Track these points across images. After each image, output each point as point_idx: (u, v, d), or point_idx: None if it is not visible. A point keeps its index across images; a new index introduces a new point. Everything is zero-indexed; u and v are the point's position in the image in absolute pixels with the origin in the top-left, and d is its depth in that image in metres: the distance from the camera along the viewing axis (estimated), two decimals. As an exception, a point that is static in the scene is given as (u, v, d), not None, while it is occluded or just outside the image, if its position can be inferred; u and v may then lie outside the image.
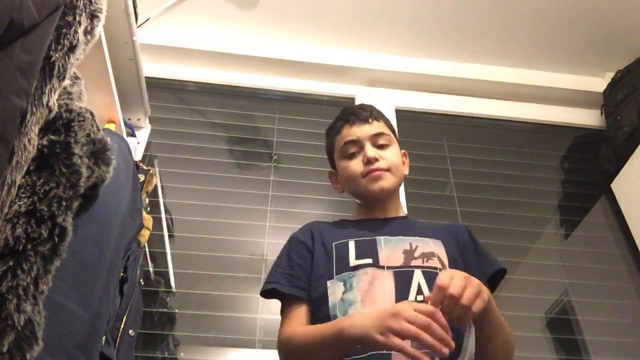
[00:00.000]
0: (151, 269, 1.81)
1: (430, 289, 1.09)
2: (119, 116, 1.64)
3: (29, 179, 0.80)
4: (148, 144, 2.02)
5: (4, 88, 0.64)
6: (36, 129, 0.77)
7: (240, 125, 2.16)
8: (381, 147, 1.32)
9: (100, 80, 1.49)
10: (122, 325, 1.33)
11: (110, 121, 1.62)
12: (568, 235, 2.13)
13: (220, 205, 1.96)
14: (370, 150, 1.30)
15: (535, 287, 1.95)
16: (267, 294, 1.24)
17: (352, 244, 1.21)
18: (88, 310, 0.96)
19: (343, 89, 2.33)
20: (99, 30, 0.95)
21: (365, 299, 1.11)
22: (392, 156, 1.32)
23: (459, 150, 2.24)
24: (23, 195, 0.78)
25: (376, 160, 1.29)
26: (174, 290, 1.81)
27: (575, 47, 2.36)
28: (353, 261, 1.17)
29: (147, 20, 2.19)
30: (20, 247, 0.76)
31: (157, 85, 2.17)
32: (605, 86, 2.31)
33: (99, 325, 1.04)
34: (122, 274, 1.36)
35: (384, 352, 1.00)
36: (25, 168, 0.77)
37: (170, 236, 1.91)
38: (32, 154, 0.78)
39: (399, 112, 2.28)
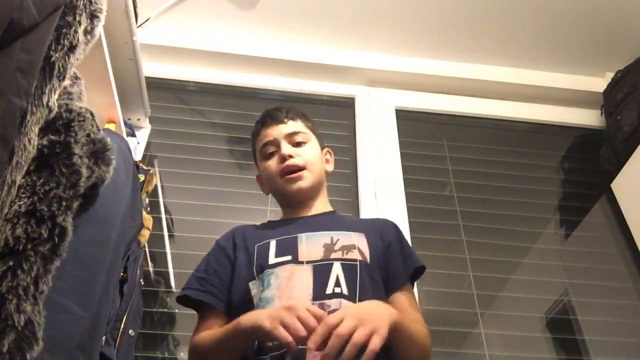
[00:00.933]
0: (151, 269, 1.81)
1: (349, 283, 1.11)
2: (119, 116, 1.64)
3: (29, 179, 0.80)
4: (148, 144, 2.02)
5: (4, 88, 0.64)
6: (36, 129, 0.77)
7: (240, 125, 2.16)
8: (298, 144, 1.35)
9: (100, 80, 1.49)
10: (122, 325, 1.33)
11: (110, 121, 1.62)
12: (568, 235, 2.13)
13: (220, 205, 1.96)
14: (285, 148, 1.32)
15: (535, 287, 1.95)
16: (180, 300, 1.23)
17: (273, 243, 1.21)
18: (88, 310, 0.96)
19: (343, 89, 2.33)
20: (99, 30, 0.95)
21: (282, 294, 1.09)
22: (309, 153, 1.34)
23: (459, 150, 2.24)
24: (23, 195, 0.78)
25: (290, 157, 1.31)
26: (174, 290, 1.81)
27: (575, 47, 2.36)
28: (272, 259, 1.17)
29: (147, 20, 2.19)
30: (20, 247, 0.76)
31: (157, 85, 2.17)
32: (605, 86, 2.31)
33: (99, 325, 1.04)
34: (122, 274, 1.36)
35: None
36: (25, 168, 0.77)
37: (170, 236, 1.90)
38: (32, 154, 0.78)
39: (399, 112, 2.28)
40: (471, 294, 1.86)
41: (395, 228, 1.32)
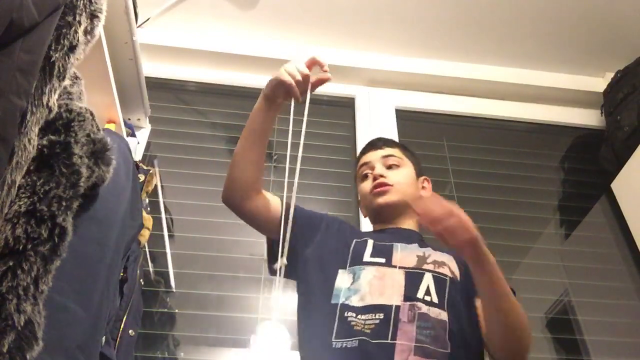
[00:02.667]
0: (151, 269, 1.81)
1: (438, 293, 1.15)
2: (119, 116, 1.64)
3: (29, 179, 0.80)
4: (148, 144, 2.02)
5: (4, 88, 0.64)
6: (36, 129, 0.77)
7: (240, 125, 2.15)
8: (390, 167, 1.42)
9: (100, 80, 1.49)
10: (122, 325, 1.33)
11: (110, 121, 1.62)
12: (568, 235, 2.13)
13: (220, 205, 1.96)
14: (378, 169, 1.41)
15: (535, 287, 1.95)
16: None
17: (370, 243, 1.27)
18: (88, 310, 0.96)
19: (343, 89, 2.33)
20: (99, 30, 0.95)
21: (373, 290, 1.15)
22: (400, 176, 1.41)
23: (459, 150, 2.24)
24: (23, 195, 0.78)
25: (381, 176, 1.38)
26: (174, 290, 1.81)
27: (575, 47, 2.36)
28: (367, 257, 1.23)
29: (147, 20, 2.19)
30: (20, 247, 0.76)
31: (157, 85, 2.17)
32: (605, 86, 2.31)
33: (99, 325, 1.04)
34: (122, 274, 1.36)
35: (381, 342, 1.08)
36: (25, 168, 0.77)
37: (170, 236, 1.90)
38: (32, 154, 0.78)
39: (399, 112, 2.28)
40: (471, 294, 1.86)
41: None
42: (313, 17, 2.25)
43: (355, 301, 1.14)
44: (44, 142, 0.84)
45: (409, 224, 1.39)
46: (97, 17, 0.93)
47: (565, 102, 2.41)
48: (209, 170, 2.03)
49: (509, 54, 2.37)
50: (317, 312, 1.19)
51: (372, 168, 1.42)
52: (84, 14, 0.86)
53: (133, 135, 1.85)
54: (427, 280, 1.17)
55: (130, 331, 1.36)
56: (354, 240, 1.29)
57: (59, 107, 0.87)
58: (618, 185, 2.11)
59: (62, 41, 0.79)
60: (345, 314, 1.13)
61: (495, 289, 1.07)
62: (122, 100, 1.68)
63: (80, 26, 0.84)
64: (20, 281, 0.74)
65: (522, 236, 2.06)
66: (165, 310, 1.75)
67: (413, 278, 1.17)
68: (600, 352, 1.83)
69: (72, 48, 0.82)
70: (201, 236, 1.90)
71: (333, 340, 1.10)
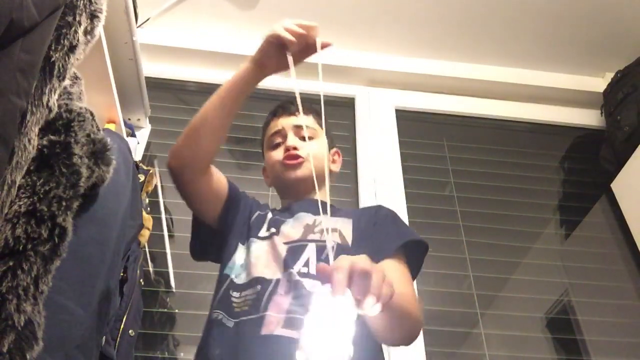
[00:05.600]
0: (151, 269, 1.81)
1: (318, 260, 1.10)
2: (119, 116, 1.64)
3: (29, 179, 0.80)
4: (148, 144, 2.02)
5: (4, 88, 0.64)
6: (36, 129, 0.77)
7: (240, 125, 2.16)
8: (304, 139, 1.33)
9: (100, 80, 1.49)
10: (122, 325, 1.33)
11: (110, 121, 1.62)
12: (568, 235, 2.13)
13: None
14: (291, 139, 1.32)
15: (535, 287, 1.95)
16: None
17: (269, 216, 1.25)
18: (88, 310, 0.96)
19: (343, 89, 2.33)
20: (99, 30, 0.95)
21: (259, 263, 1.13)
22: (313, 147, 1.32)
23: (459, 150, 2.24)
24: (23, 195, 0.78)
25: (294, 148, 1.30)
26: (174, 290, 1.81)
27: (575, 47, 2.36)
28: (262, 232, 1.21)
29: (147, 20, 2.19)
30: (20, 247, 0.76)
31: (157, 85, 2.17)
32: (605, 86, 2.31)
33: (99, 325, 1.04)
34: (122, 274, 1.36)
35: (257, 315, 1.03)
36: (25, 168, 0.77)
37: (170, 236, 1.90)
38: (32, 154, 0.78)
39: (399, 112, 2.28)
40: (471, 294, 1.86)
41: (389, 211, 1.27)
42: (313, 17, 2.23)
43: (241, 279, 1.12)
44: (44, 142, 0.84)
45: (319, 195, 1.28)
46: (97, 17, 0.93)
47: (565, 102, 2.41)
48: (209, 170, 2.03)
49: (509, 54, 2.37)
50: (217, 288, 1.17)
51: (284, 137, 1.34)
52: (84, 14, 0.86)
53: (133, 135, 1.85)
54: (309, 252, 1.12)
55: (130, 331, 1.36)
56: (257, 213, 1.27)
57: (59, 107, 0.87)
58: (618, 185, 2.11)
59: (62, 41, 0.79)
60: (230, 293, 1.11)
61: (401, 323, 0.97)
62: (122, 100, 1.68)
63: (80, 26, 0.84)
64: (20, 281, 0.74)
65: (522, 236, 2.06)
66: (165, 310, 1.75)
67: (294, 251, 1.13)
68: (600, 352, 1.83)
69: (72, 48, 0.82)
70: (201, 236, 1.89)
71: (214, 311, 1.11)
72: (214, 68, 2.29)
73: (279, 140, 1.36)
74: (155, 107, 2.02)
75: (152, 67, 2.10)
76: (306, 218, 1.21)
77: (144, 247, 1.64)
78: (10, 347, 0.71)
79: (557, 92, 2.39)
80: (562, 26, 2.29)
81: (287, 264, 1.10)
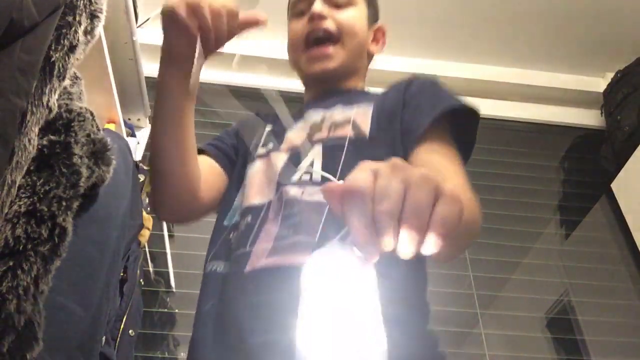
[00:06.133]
0: (151, 269, 1.81)
1: (327, 162, 0.84)
2: (119, 116, 1.64)
3: (29, 179, 0.80)
4: (148, 144, 2.02)
5: (4, 88, 0.64)
6: (36, 129, 0.77)
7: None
8: (338, 6, 1.00)
9: (100, 80, 1.49)
10: (122, 325, 1.33)
11: (110, 121, 1.62)
12: (568, 235, 2.13)
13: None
14: (318, 5, 0.97)
15: (535, 287, 1.95)
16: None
17: (267, 129, 1.01)
18: (88, 310, 0.96)
19: (343, 89, 2.33)
20: (99, 30, 0.95)
21: (252, 190, 0.90)
22: (349, 19, 0.99)
23: (459, 150, 2.24)
24: (23, 195, 0.78)
25: (321, 17, 0.97)
26: (174, 290, 1.81)
27: (575, 47, 2.36)
28: (260, 150, 0.97)
29: (147, 20, 2.19)
30: (20, 247, 0.76)
31: (157, 85, 2.17)
32: (605, 86, 2.31)
33: (99, 325, 1.04)
34: (122, 274, 1.36)
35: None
36: (25, 168, 0.77)
37: (170, 236, 1.90)
38: (32, 154, 0.78)
39: (399, 112, 2.28)
40: (471, 294, 1.86)
41: (424, 79, 0.97)
42: (313, 17, 2.25)
43: (237, 217, 0.90)
44: (44, 142, 0.84)
45: (353, 84, 1.04)
46: (97, 17, 0.93)
47: (565, 102, 2.41)
48: (209, 170, 2.03)
49: (509, 54, 2.37)
50: (212, 240, 0.98)
51: (311, 4, 0.98)
52: (84, 14, 0.86)
53: (133, 135, 1.85)
54: (313, 154, 0.87)
55: (130, 331, 1.36)
56: (266, 130, 1.01)
57: (59, 107, 0.87)
58: (618, 185, 2.11)
59: (62, 41, 0.79)
60: (228, 238, 0.91)
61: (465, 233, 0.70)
62: (122, 100, 1.68)
63: (80, 26, 0.84)
64: (20, 281, 0.74)
65: (522, 236, 2.06)
66: (165, 310, 1.75)
67: (294, 158, 0.87)
68: (600, 352, 1.83)
69: (72, 48, 0.82)
70: (201, 236, 1.89)
71: (207, 264, 0.91)
72: (213, 68, 2.28)
73: (303, 6, 1.02)
74: (155, 107, 2.02)
75: (152, 67, 2.10)
76: (314, 115, 0.95)
77: (144, 247, 1.64)
78: (10, 347, 0.71)
79: (557, 92, 2.39)
80: (562, 26, 2.29)
81: (283, 176, 0.85)
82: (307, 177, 0.84)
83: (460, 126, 0.86)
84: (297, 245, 0.76)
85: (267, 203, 0.85)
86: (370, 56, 1.11)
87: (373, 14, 1.09)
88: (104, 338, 1.18)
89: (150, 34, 2.18)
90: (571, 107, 2.42)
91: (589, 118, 2.39)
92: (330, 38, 0.98)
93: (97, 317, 1.01)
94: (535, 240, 2.09)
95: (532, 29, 2.30)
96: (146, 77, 1.82)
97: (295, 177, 0.85)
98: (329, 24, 0.98)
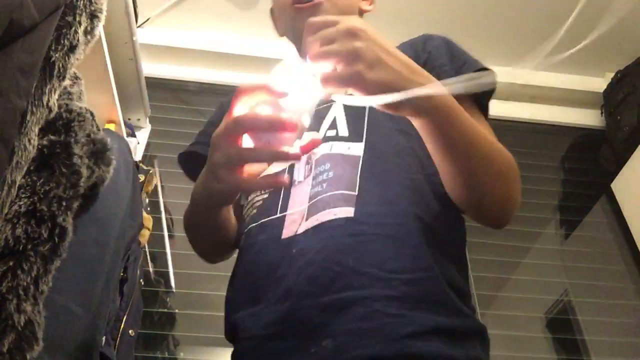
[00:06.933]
0: (151, 269, 1.81)
1: (351, 122, 0.83)
2: (119, 116, 1.64)
3: (29, 179, 0.80)
4: (148, 144, 2.02)
5: (4, 88, 0.64)
6: (36, 129, 0.77)
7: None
8: None
9: (100, 80, 1.49)
10: (122, 325, 1.33)
11: (110, 121, 1.62)
12: (568, 235, 2.13)
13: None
14: None
15: (535, 287, 1.95)
16: None
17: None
18: (88, 310, 0.96)
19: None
20: (99, 30, 0.95)
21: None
22: None
23: (459, 150, 2.24)
24: (23, 195, 0.78)
25: None
26: (174, 290, 1.81)
27: (575, 47, 2.35)
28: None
29: (147, 20, 2.19)
30: (21, 247, 0.76)
31: (157, 85, 2.17)
32: (605, 86, 2.31)
33: (99, 325, 1.04)
34: (122, 274, 1.36)
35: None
36: (25, 168, 0.77)
37: (170, 236, 1.90)
38: (32, 154, 0.78)
39: (399, 112, 2.28)
40: (471, 294, 1.86)
41: (440, 38, 0.99)
42: (313, 17, 2.25)
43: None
44: (44, 142, 0.84)
45: None
46: (97, 17, 0.93)
47: (565, 102, 2.41)
48: (209, 170, 2.03)
49: (509, 54, 2.37)
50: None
51: None
52: (84, 14, 0.86)
53: (133, 135, 1.85)
54: (335, 112, 0.85)
55: (130, 331, 1.36)
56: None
57: (59, 107, 0.87)
58: (618, 185, 2.11)
59: (62, 41, 0.79)
60: (252, 213, 0.86)
61: (452, 146, 0.71)
62: (122, 100, 1.68)
63: (80, 26, 0.84)
64: (20, 281, 0.74)
65: (522, 236, 2.06)
66: (165, 310, 1.75)
67: (316, 117, 0.78)
68: (600, 352, 1.83)
69: (72, 48, 0.82)
70: (201, 236, 1.89)
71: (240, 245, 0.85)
72: (214, 68, 2.29)
73: None
74: (155, 107, 2.02)
75: (152, 67, 2.10)
76: None
77: (144, 247, 1.64)
78: (10, 347, 0.71)
79: (557, 92, 2.39)
80: (562, 26, 2.29)
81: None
82: (332, 132, 0.82)
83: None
84: (332, 199, 0.74)
85: (289, 167, 0.83)
86: (361, 14, 1.10)
87: None
88: (104, 338, 1.18)
89: (150, 34, 2.19)
90: (571, 107, 2.42)
91: (589, 118, 2.39)
92: None
93: (97, 317, 1.01)
94: (535, 240, 2.08)
95: (532, 29, 2.29)
96: (146, 77, 1.82)
97: (320, 134, 0.82)
98: None
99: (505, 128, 2.38)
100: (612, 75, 2.29)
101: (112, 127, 1.62)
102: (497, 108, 2.38)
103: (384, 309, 0.66)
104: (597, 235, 2.13)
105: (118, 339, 1.31)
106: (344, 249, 0.70)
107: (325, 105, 0.86)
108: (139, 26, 1.94)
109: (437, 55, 0.93)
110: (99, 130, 1.00)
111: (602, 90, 2.31)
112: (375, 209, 0.73)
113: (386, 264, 0.69)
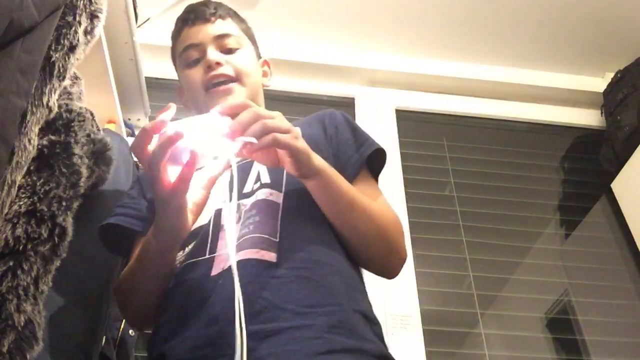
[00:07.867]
0: (151, 269, 1.81)
1: (272, 173, 0.94)
2: (119, 116, 1.64)
3: (29, 179, 0.80)
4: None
5: (4, 88, 0.64)
6: (36, 129, 0.77)
7: None
8: (229, 51, 1.11)
9: (100, 80, 1.49)
10: (122, 325, 1.33)
11: (110, 121, 1.62)
12: (568, 235, 2.13)
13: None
14: (212, 54, 1.08)
15: (535, 287, 1.95)
16: None
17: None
18: (88, 310, 0.96)
19: (343, 89, 2.33)
20: (99, 30, 0.95)
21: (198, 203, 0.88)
22: (241, 61, 1.10)
23: (459, 150, 2.24)
24: (23, 195, 0.78)
25: (218, 65, 1.07)
26: (174, 290, 1.80)
27: (575, 47, 2.35)
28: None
29: (147, 20, 2.19)
30: (21, 247, 0.76)
31: (157, 85, 2.17)
32: (605, 86, 2.31)
33: (99, 325, 1.04)
34: (122, 274, 1.36)
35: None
36: (25, 168, 0.77)
37: (170, 236, 1.90)
38: (32, 154, 0.78)
39: (399, 113, 2.28)
40: (471, 294, 1.86)
41: (342, 115, 1.10)
42: (313, 17, 2.25)
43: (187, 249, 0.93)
44: (44, 142, 0.84)
45: None
46: (97, 17, 0.93)
47: (565, 102, 2.41)
48: (209, 170, 2.03)
49: (509, 54, 2.37)
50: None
51: (203, 52, 1.09)
52: (84, 14, 0.86)
53: (133, 135, 1.85)
54: (257, 167, 0.95)
55: (130, 331, 1.36)
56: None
57: (59, 107, 0.87)
58: (618, 185, 2.11)
59: (62, 41, 0.79)
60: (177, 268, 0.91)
61: (336, 203, 0.89)
62: (122, 100, 1.68)
63: (80, 26, 0.84)
64: (20, 281, 0.74)
65: (522, 236, 2.06)
66: (165, 310, 1.75)
67: (241, 171, 0.90)
68: (600, 352, 1.83)
69: (72, 48, 0.82)
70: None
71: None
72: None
73: (196, 55, 1.11)
74: (155, 107, 2.02)
75: (152, 67, 2.10)
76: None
77: (144, 247, 1.63)
78: (10, 347, 0.71)
79: (557, 92, 2.39)
80: (562, 26, 2.29)
81: (238, 182, 0.85)
82: (257, 185, 0.94)
83: (374, 160, 1.03)
84: (258, 241, 0.85)
85: (215, 213, 0.91)
86: (264, 88, 1.22)
87: (258, 51, 1.23)
88: (104, 338, 1.18)
89: (150, 34, 2.18)
90: (571, 107, 2.42)
91: (589, 118, 2.39)
92: (231, 80, 1.08)
93: (97, 317, 1.01)
94: (535, 240, 2.08)
95: (532, 29, 2.29)
96: (146, 77, 1.82)
97: (247, 189, 0.94)
98: (227, 70, 1.08)
99: (505, 128, 2.38)
100: (612, 75, 2.29)
101: (112, 127, 1.62)
102: (497, 108, 2.39)
103: (305, 334, 0.77)
104: (597, 235, 2.13)
105: (118, 339, 1.31)
106: (269, 288, 0.80)
107: (248, 160, 0.94)
108: (139, 26, 1.94)
109: (342, 130, 1.05)
110: (99, 130, 1.00)
111: (602, 90, 2.31)
112: (293, 255, 0.85)
113: (304, 301, 0.80)
